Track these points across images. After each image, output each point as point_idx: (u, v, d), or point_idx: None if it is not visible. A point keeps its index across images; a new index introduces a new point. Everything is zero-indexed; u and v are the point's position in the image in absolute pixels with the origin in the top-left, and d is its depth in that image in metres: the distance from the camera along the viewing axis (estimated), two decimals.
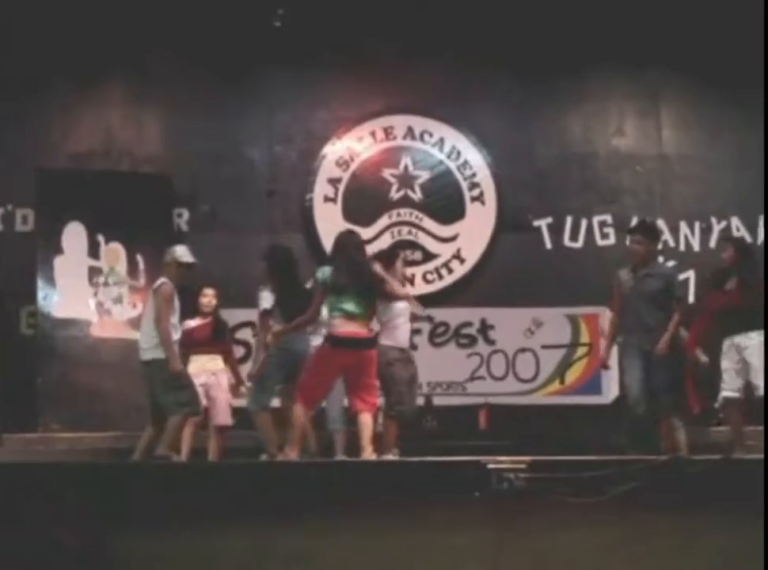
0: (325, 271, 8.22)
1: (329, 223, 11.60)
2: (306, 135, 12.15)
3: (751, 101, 11.46)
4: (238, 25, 11.57)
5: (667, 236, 11.77)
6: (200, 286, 9.80)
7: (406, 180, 12.03)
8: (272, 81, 12.00)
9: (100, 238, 11.13)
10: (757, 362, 8.35)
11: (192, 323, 9.70)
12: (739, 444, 8.51)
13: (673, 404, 8.55)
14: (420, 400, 10.11)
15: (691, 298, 11.29)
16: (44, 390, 10.80)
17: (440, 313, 11.29)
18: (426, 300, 9.83)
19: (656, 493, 7.01)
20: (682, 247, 11.92)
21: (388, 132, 12.14)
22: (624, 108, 12.27)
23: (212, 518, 7.11)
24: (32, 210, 11.46)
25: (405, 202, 11.99)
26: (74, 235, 11.07)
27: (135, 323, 10.00)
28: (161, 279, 8.65)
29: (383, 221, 11.89)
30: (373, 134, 12.13)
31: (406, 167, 12.07)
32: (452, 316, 11.49)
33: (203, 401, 9.23)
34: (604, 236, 11.95)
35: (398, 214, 11.97)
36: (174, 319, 8.58)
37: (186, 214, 11.83)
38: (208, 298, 9.78)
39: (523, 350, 11.49)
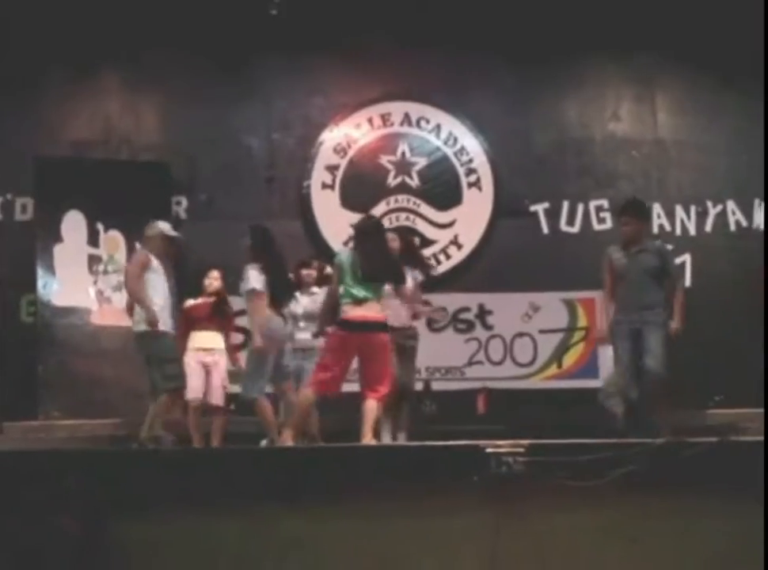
0: (343, 256, 8.25)
1: (327, 210, 11.68)
2: (303, 122, 12.14)
3: (746, 86, 11.49)
4: (235, 13, 11.56)
5: (663, 220, 11.83)
6: (207, 268, 9.94)
7: (403, 167, 12.04)
8: (269, 69, 12.02)
9: (100, 226, 11.15)
10: None
11: (193, 301, 9.85)
12: None
13: (666, 384, 8.48)
14: (419, 385, 10.18)
15: (688, 282, 11.32)
16: (44, 378, 10.81)
17: (438, 299, 11.31)
18: (424, 286, 9.87)
19: (655, 476, 7.02)
20: (678, 231, 11.91)
21: (385, 119, 12.14)
22: (620, 93, 12.25)
23: (212, 504, 7.15)
24: (32, 199, 11.44)
25: (403, 188, 11.99)
26: (74, 223, 11.08)
27: None
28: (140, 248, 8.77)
29: (381, 207, 11.87)
30: (370, 120, 12.14)
31: (403, 153, 12.07)
32: (450, 301, 11.46)
33: (201, 381, 9.44)
34: (601, 220, 11.95)
35: (396, 201, 11.98)
36: (157, 298, 8.62)
37: (185, 202, 11.84)
38: (210, 279, 9.87)
39: (521, 334, 11.52)
